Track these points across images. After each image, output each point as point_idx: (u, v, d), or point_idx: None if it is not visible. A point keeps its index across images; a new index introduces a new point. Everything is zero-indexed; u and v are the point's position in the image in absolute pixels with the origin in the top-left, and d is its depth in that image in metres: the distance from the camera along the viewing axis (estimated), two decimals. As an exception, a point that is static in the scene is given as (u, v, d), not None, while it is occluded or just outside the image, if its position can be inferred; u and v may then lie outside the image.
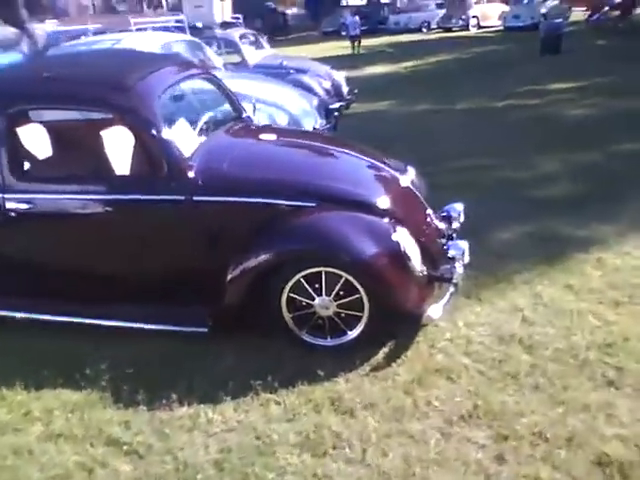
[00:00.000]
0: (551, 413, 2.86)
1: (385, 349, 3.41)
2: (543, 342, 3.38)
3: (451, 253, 3.63)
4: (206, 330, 3.45)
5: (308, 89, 9.31)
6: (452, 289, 3.53)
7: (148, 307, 3.59)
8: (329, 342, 3.42)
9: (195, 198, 3.42)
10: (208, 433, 2.90)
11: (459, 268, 3.59)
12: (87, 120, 3.40)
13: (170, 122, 3.63)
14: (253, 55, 9.71)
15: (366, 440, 2.78)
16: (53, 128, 3.57)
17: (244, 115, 4.46)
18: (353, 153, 3.96)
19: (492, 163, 6.71)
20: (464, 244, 3.68)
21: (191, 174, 3.41)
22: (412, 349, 3.41)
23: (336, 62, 13.09)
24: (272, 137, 3.96)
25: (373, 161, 3.92)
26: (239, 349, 3.45)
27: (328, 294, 3.32)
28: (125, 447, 2.85)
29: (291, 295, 3.35)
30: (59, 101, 3.51)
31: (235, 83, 6.80)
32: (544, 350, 3.31)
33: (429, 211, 3.88)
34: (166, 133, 3.40)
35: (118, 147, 3.44)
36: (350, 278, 3.25)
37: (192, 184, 3.41)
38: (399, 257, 3.27)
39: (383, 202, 3.54)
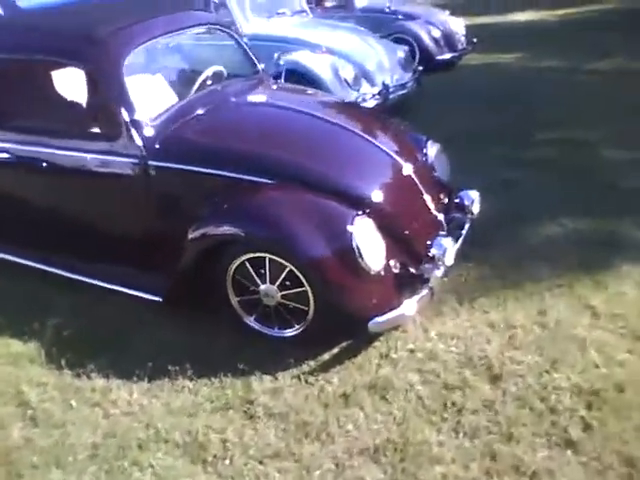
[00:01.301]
0: (474, 467, 2.36)
1: (333, 350, 3.03)
2: (516, 374, 2.79)
3: (432, 252, 3.10)
4: (160, 300, 3.30)
5: (414, 37, 8.66)
6: (425, 292, 3.03)
7: (110, 266, 3.50)
8: (275, 332, 3.12)
9: (150, 162, 3.21)
10: (107, 413, 2.76)
11: (437, 270, 3.07)
12: (59, 72, 3.29)
13: (145, 79, 3.43)
14: (360, -2, 9.09)
15: (250, 456, 2.49)
16: (27, 78, 3.51)
17: (258, 71, 4.13)
18: (358, 131, 3.42)
19: (594, 139, 5.71)
20: (447, 242, 3.12)
21: (149, 136, 3.19)
22: (362, 355, 2.99)
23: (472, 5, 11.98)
24: (264, 101, 3.56)
25: (378, 143, 3.38)
26: (185, 326, 3.26)
27: (272, 282, 3.00)
28: (29, 412, 2.80)
29: (237, 277, 3.08)
30: (30, 52, 3.41)
31: (306, 32, 6.47)
32: (511, 384, 2.74)
33: (430, 202, 3.34)
34: (130, 91, 3.19)
35: (82, 103, 3.30)
36: (293, 269, 2.90)
37: (148, 147, 3.19)
38: (348, 252, 2.83)
39: (358, 189, 3.10)
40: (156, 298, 3.31)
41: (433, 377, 2.83)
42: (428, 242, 3.16)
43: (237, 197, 3.04)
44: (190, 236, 3.08)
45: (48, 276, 3.65)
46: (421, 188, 3.33)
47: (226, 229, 2.97)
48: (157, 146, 3.20)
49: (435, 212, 3.36)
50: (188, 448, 2.54)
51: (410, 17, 8.91)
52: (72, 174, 3.42)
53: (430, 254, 3.09)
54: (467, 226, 3.54)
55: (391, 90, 6.32)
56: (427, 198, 3.34)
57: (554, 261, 3.66)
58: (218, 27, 4.05)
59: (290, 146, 3.25)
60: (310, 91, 4.21)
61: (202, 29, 3.98)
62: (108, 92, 3.20)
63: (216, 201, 3.08)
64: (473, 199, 3.56)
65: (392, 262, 3.04)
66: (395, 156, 3.34)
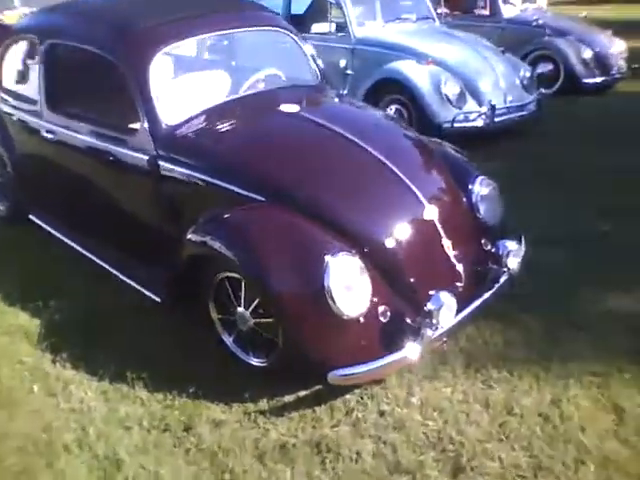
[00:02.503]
0: None
1: (299, 392, 2.75)
2: (484, 472, 2.32)
3: (428, 306, 2.69)
4: (159, 300, 3.25)
5: (560, 55, 7.87)
6: (409, 350, 2.64)
7: (122, 255, 3.52)
8: (248, 359, 2.91)
9: (160, 162, 3.14)
10: (58, 406, 2.74)
11: (429, 328, 2.66)
12: (97, 62, 3.32)
13: (185, 78, 3.36)
14: (511, 8, 8.39)
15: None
16: (73, 64, 3.59)
17: (316, 79, 3.89)
18: (389, 162, 3.00)
19: None
20: (447, 297, 2.68)
21: (163, 137, 3.13)
22: (326, 405, 2.68)
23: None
24: (301, 114, 3.25)
25: (406, 178, 2.96)
26: (170, 332, 3.17)
27: (247, 307, 2.79)
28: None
29: (219, 294, 2.92)
30: (79, 39, 3.49)
31: (418, 40, 6.10)
32: None
33: (449, 249, 2.91)
34: (155, 89, 3.15)
35: (112, 94, 3.30)
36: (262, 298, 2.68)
37: (160, 147, 3.14)
38: (318, 292, 2.53)
39: (358, 224, 2.81)
40: (156, 298, 3.26)
41: (388, 452, 2.45)
42: (431, 293, 2.77)
43: (225, 211, 2.87)
44: (184, 239, 2.97)
45: (67, 255, 3.79)
46: (442, 233, 2.91)
47: (207, 241, 2.81)
48: (169, 148, 3.13)
49: (454, 261, 2.93)
50: (104, 463, 2.44)
51: (560, 33, 8.07)
52: (97, 161, 3.47)
53: (426, 308, 2.70)
54: (502, 280, 3.07)
55: (501, 111, 5.76)
56: (447, 244, 2.92)
57: (600, 342, 3.04)
58: (280, 29, 3.86)
59: (298, 165, 3.00)
60: (365, 109, 3.87)
61: (263, 29, 3.82)
62: (132, 88, 3.17)
63: (210, 210, 2.94)
64: (509, 250, 3.07)
65: (381, 310, 2.70)
66: (420, 196, 2.94)
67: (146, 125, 3.16)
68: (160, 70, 3.24)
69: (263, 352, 2.85)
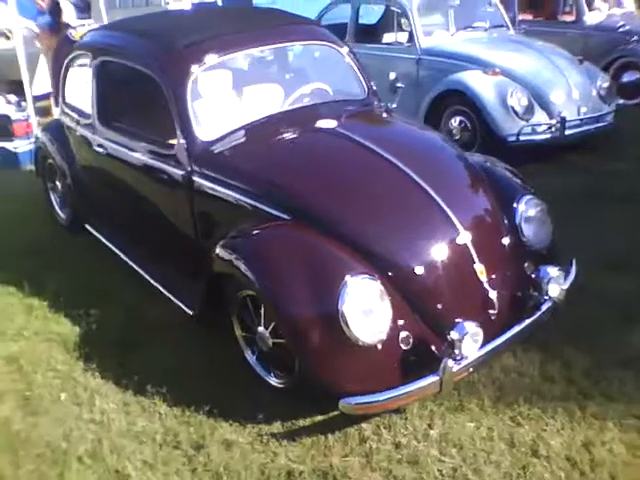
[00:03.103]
0: None
1: (315, 417, 2.66)
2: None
3: (451, 335, 2.52)
4: (191, 314, 3.27)
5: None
6: (428, 381, 2.49)
7: (163, 269, 3.58)
8: (271, 378, 2.85)
9: (193, 177, 3.17)
10: (80, 416, 2.79)
11: (450, 359, 2.49)
12: (141, 78, 3.40)
13: (225, 93, 3.37)
14: (596, 14, 7.89)
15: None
16: (122, 80, 3.68)
17: (363, 93, 3.79)
18: (426, 184, 2.85)
19: None
20: (472, 326, 2.50)
21: (198, 153, 3.16)
22: (341, 432, 2.58)
23: None
24: (340, 131, 3.16)
25: (441, 201, 2.81)
26: (197, 347, 3.18)
27: (266, 326, 2.75)
28: (27, 392, 2.98)
29: (242, 312, 2.90)
30: (124, 57, 3.60)
31: (486, 49, 5.89)
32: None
33: (482, 274, 2.74)
34: (193, 105, 3.18)
35: (154, 110, 3.36)
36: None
37: (195, 163, 3.16)
38: (332, 316, 2.45)
39: (383, 247, 2.69)
40: (188, 311, 3.28)
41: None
42: (458, 321, 2.60)
43: (250, 228, 2.84)
44: (211, 254, 2.97)
45: (117, 266, 3.90)
46: (475, 258, 2.74)
47: (229, 258, 2.79)
48: (203, 164, 3.15)
49: (487, 287, 2.75)
50: (112, 477, 2.46)
51: (649, 39, 7.52)
52: (140, 175, 3.57)
53: (449, 337, 2.54)
54: (544, 308, 2.86)
55: (573, 123, 5.42)
56: (479, 270, 2.74)
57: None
58: (327, 43, 3.79)
59: (326, 184, 2.92)
60: (408, 125, 3.71)
61: (309, 44, 3.77)
62: (171, 104, 3.22)
63: (238, 227, 2.92)
64: (551, 277, 2.85)
65: (402, 336, 2.57)
66: (454, 219, 2.77)
67: (182, 141, 3.20)
68: (199, 86, 3.26)
69: (283, 373, 2.80)
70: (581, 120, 5.50)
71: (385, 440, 2.55)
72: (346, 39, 7.08)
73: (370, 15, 7.28)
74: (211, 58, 3.29)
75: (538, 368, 2.89)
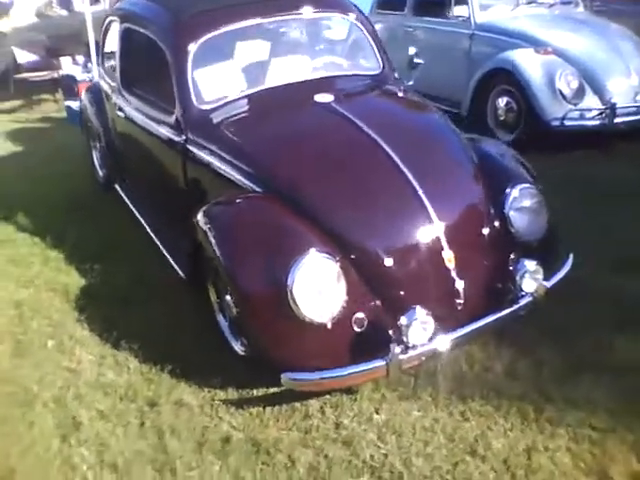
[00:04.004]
0: None
1: (270, 389, 2.71)
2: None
3: (401, 320, 2.47)
4: (184, 277, 3.37)
5: None
6: (376, 364, 2.46)
7: (166, 230, 3.71)
8: (237, 346, 2.91)
9: (188, 145, 3.25)
10: (60, 364, 2.98)
11: (397, 345, 2.44)
12: (155, 46, 3.47)
13: (228, 64, 3.40)
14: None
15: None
16: (141, 48, 3.76)
17: (378, 71, 3.70)
18: (409, 168, 2.77)
19: None
20: (422, 314, 2.44)
21: (194, 121, 3.24)
22: (289, 406, 2.62)
23: None
24: (335, 107, 3.10)
25: (420, 188, 2.72)
26: (178, 310, 3.29)
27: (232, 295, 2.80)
28: (20, 336, 3.23)
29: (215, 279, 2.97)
30: (141, 24, 3.69)
31: (543, 27, 5.55)
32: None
33: (452, 265, 2.65)
34: (193, 74, 3.25)
35: (162, 76, 3.41)
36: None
37: (190, 130, 3.24)
38: (280, 292, 2.46)
39: (347, 227, 2.66)
40: (181, 273, 3.39)
41: (323, 467, 2.33)
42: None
43: (223, 198, 2.90)
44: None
45: (137, 225, 4.08)
46: (445, 247, 2.65)
47: (200, 227, 2.84)
48: (197, 132, 3.22)
49: (455, 277, 2.66)
50: (68, 422, 2.62)
51: None
52: (149, 137, 3.70)
53: (398, 323, 2.49)
54: (520, 304, 2.74)
55: (628, 110, 5.04)
56: (448, 258, 2.66)
57: (621, 393, 2.56)
58: (343, 14, 3.71)
59: (303, 160, 2.91)
60: (411, 105, 3.55)
61: (322, 15, 3.71)
62: (173, 72, 3.29)
63: (218, 196, 2.98)
64: (527, 270, 2.71)
65: (356, 318, 2.55)
66: (429, 207, 2.68)
67: (179, 108, 3.27)
68: (201, 56, 3.30)
69: (246, 341, 2.85)
70: (637, 107, 5.09)
71: (327, 419, 2.56)
72: (404, 12, 6.93)
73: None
74: (215, 28, 3.33)
75: (505, 364, 2.78)
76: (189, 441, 2.49)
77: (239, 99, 3.31)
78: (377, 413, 2.58)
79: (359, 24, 3.75)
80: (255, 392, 2.72)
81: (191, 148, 3.23)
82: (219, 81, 3.38)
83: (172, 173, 3.51)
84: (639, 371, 2.67)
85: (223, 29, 3.35)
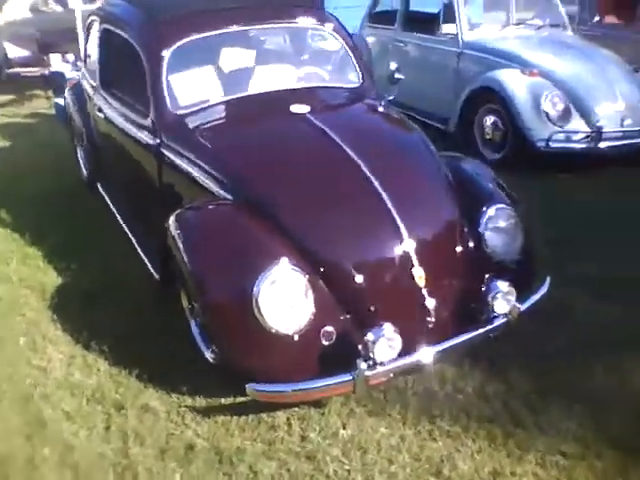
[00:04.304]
0: None
1: (238, 398, 2.71)
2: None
3: (368, 336, 2.47)
4: (158, 279, 3.35)
5: None
6: (343, 379, 2.46)
7: (142, 232, 3.69)
8: (208, 353, 2.89)
9: (161, 148, 3.26)
10: (6, 356, 3.01)
11: (363, 361, 2.43)
12: (131, 49, 3.47)
13: (205, 70, 3.43)
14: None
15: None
16: (117, 49, 3.76)
17: (358, 84, 3.72)
18: (379, 183, 2.76)
19: None
20: (389, 330, 2.43)
21: (168, 126, 3.24)
22: (257, 415, 2.61)
23: None
24: (302, 115, 3.13)
25: (390, 203, 2.71)
26: (163, 310, 3.26)
27: (199, 302, 2.80)
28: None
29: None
30: (118, 25, 3.70)
31: (528, 48, 5.62)
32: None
33: (422, 282, 2.65)
34: (167, 78, 3.26)
35: (137, 79, 3.40)
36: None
37: (164, 135, 3.24)
38: (246, 304, 2.44)
39: (316, 241, 2.66)
40: (155, 275, 3.37)
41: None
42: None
43: (193, 204, 2.91)
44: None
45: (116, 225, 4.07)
46: (415, 264, 2.64)
47: (169, 233, 2.83)
48: (171, 137, 3.23)
49: (425, 295, 2.66)
50: (34, 422, 2.60)
51: None
52: (126, 139, 3.69)
53: (365, 339, 2.49)
54: (493, 325, 2.74)
55: (613, 135, 5.09)
56: (419, 275, 2.65)
57: (593, 421, 2.57)
58: (323, 27, 3.72)
59: (275, 171, 2.91)
60: (386, 119, 3.57)
61: (301, 26, 3.73)
62: (148, 76, 3.30)
63: (191, 201, 2.99)
64: (499, 291, 2.72)
65: (324, 332, 2.54)
66: (400, 224, 2.67)
67: (154, 112, 3.28)
68: (177, 61, 3.30)
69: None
70: (623, 132, 5.15)
71: (293, 432, 2.56)
72: (394, 27, 6.99)
73: (423, 3, 7.08)
74: (191, 33, 3.34)
75: (477, 385, 2.78)
76: (153, 447, 2.48)
77: (214, 105, 3.33)
78: (344, 428, 2.57)
79: (338, 36, 3.75)
80: (223, 401, 2.71)
81: (165, 152, 3.24)
82: (194, 86, 3.38)
83: (147, 176, 3.50)
84: (614, 400, 2.69)
85: (198, 35, 3.36)
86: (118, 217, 4.10)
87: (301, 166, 2.92)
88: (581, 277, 3.57)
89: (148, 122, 3.37)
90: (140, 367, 2.88)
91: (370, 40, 7.60)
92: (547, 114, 5.04)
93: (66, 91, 5.04)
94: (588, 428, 2.54)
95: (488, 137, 5.50)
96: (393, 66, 3.85)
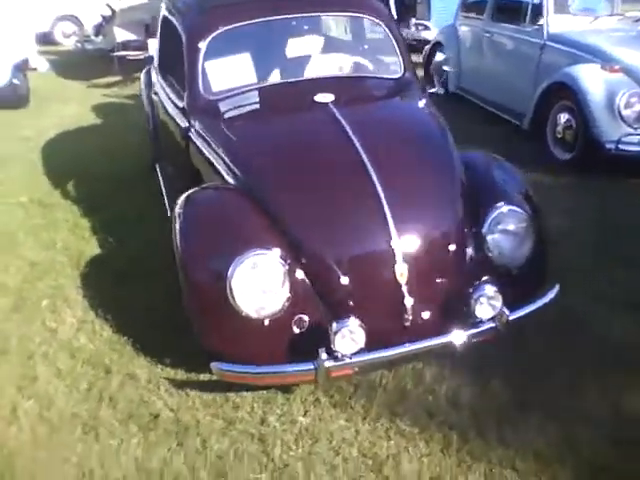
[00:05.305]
0: None
1: (209, 376, 2.76)
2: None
3: (333, 327, 2.42)
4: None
5: None
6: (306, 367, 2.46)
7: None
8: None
9: (189, 133, 3.37)
10: (26, 315, 3.29)
11: (324, 352, 2.42)
12: (180, 36, 3.58)
13: (243, 58, 3.49)
14: None
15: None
16: (172, 37, 3.87)
17: (400, 74, 3.63)
18: (381, 183, 2.67)
19: None
20: (354, 324, 2.39)
21: (197, 110, 3.34)
22: (223, 397, 2.69)
23: None
24: (323, 105, 3.08)
25: (387, 204, 2.62)
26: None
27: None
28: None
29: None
30: (171, 12, 3.84)
31: (616, 43, 5.16)
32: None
33: (404, 281, 2.56)
34: (204, 64, 3.35)
35: (181, 65, 3.51)
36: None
37: (193, 118, 3.36)
38: (220, 285, 2.48)
39: (303, 232, 2.64)
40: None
41: (230, 457, 2.39)
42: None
43: (197, 188, 2.99)
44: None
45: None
46: (398, 260, 2.57)
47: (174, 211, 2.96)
48: (197, 120, 3.33)
49: (405, 292, 2.58)
50: (29, 375, 2.85)
51: None
52: (170, 120, 3.85)
53: (329, 330, 2.47)
54: (478, 330, 2.61)
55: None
56: (400, 272, 2.58)
57: (565, 439, 2.40)
58: (367, 16, 3.66)
59: (278, 160, 2.92)
60: (414, 113, 3.45)
61: (345, 15, 3.69)
62: (186, 61, 3.41)
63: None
64: (482, 295, 2.57)
65: (297, 319, 2.55)
66: (390, 224, 2.58)
67: (187, 96, 3.41)
68: (214, 49, 3.39)
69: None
70: None
71: (255, 414, 2.61)
72: (484, 17, 6.71)
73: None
74: (229, 23, 3.40)
75: (451, 390, 2.68)
76: (122, 412, 2.63)
77: (243, 92, 3.39)
78: (304, 416, 2.59)
79: (384, 26, 3.67)
80: (202, 376, 2.81)
81: (191, 135, 3.36)
82: (227, 74, 3.46)
83: (181, 158, 3.65)
84: (594, 422, 2.49)
85: (237, 24, 3.42)
86: (165, 198, 4.30)
87: (304, 157, 2.91)
88: (613, 291, 3.31)
89: (182, 105, 3.53)
90: (141, 338, 3.05)
91: (463, 30, 7.36)
92: (620, 113, 4.63)
93: (141, 76, 5.36)
94: (555, 447, 2.38)
95: (559, 136, 5.15)
96: (440, 57, 3.71)
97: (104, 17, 10.54)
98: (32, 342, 3.09)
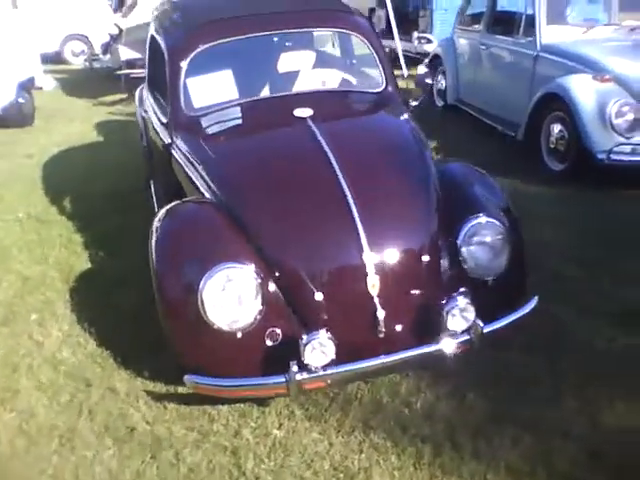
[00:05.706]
0: None
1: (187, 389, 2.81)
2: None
3: (303, 339, 2.45)
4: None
5: None
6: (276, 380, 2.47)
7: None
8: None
9: (171, 150, 3.42)
10: (15, 328, 3.36)
11: (294, 364, 2.43)
12: (163, 54, 3.64)
13: (225, 74, 3.53)
14: None
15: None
16: (159, 54, 3.94)
17: (381, 88, 3.65)
18: (352, 196, 2.68)
19: None
20: (324, 337, 2.40)
21: (180, 125, 3.38)
22: (200, 410, 2.71)
23: None
24: (302, 119, 3.11)
25: (358, 216, 2.64)
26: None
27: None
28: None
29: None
30: (156, 30, 3.91)
31: (607, 52, 5.14)
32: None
33: (375, 293, 2.57)
34: (185, 80, 3.38)
35: (166, 82, 3.57)
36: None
37: (175, 133, 3.39)
38: (192, 295, 2.52)
39: (276, 247, 2.66)
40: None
41: (203, 470, 2.40)
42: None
43: (176, 203, 3.02)
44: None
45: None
46: (370, 272, 2.57)
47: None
48: (179, 136, 3.37)
49: (377, 304, 2.58)
50: (11, 388, 2.89)
51: None
52: (156, 136, 3.89)
53: (300, 342, 2.48)
54: (452, 342, 2.61)
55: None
56: (372, 284, 2.58)
57: (540, 456, 2.38)
58: (347, 31, 3.70)
59: (252, 172, 2.95)
60: (389, 127, 3.47)
61: (326, 30, 3.73)
62: (168, 79, 3.46)
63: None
64: (453, 307, 2.56)
65: (271, 332, 2.57)
66: (362, 238, 2.59)
67: (170, 112, 3.45)
68: (195, 67, 3.42)
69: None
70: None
71: (229, 426, 2.62)
72: (480, 28, 6.74)
73: (510, 5, 6.76)
74: (211, 40, 3.43)
75: (427, 403, 2.67)
76: (99, 424, 2.66)
77: (224, 109, 3.42)
78: (279, 429, 2.60)
79: (365, 41, 3.69)
80: (180, 389, 2.82)
81: (173, 151, 3.40)
82: (209, 91, 3.49)
83: (166, 174, 3.69)
84: (573, 437, 2.45)
85: (218, 42, 3.46)
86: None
87: (279, 173, 2.92)
88: (604, 304, 3.28)
89: (166, 121, 3.58)
90: (124, 352, 3.08)
91: (461, 42, 7.41)
92: (612, 122, 4.61)
93: (136, 93, 5.44)
94: (529, 461, 2.35)
95: (552, 146, 5.14)
96: (421, 70, 3.72)
97: (112, 36, 10.75)
98: (17, 355, 3.14)
